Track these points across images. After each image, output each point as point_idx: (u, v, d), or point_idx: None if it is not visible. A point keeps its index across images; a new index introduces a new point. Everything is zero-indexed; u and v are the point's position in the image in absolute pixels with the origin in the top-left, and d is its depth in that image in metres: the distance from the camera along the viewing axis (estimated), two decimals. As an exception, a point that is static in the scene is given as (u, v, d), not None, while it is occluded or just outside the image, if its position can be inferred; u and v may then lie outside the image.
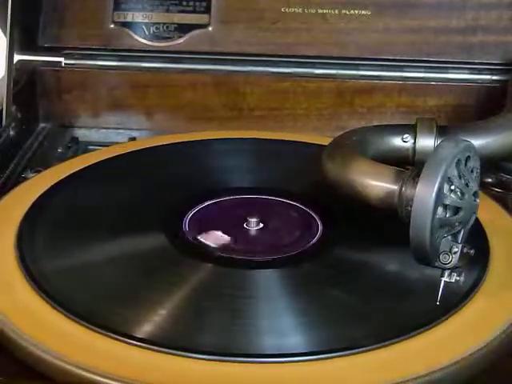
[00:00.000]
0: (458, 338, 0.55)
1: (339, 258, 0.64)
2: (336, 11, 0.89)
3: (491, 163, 0.75)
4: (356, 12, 0.89)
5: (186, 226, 0.67)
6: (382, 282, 0.61)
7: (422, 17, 0.88)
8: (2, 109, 0.81)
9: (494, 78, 0.88)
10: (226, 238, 0.66)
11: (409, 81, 0.89)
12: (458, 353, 0.53)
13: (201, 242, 0.65)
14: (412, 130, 0.69)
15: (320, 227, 0.68)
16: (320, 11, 0.89)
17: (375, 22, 0.89)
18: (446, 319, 0.56)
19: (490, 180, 0.77)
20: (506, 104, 0.77)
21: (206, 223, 0.68)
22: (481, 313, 0.58)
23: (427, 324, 0.56)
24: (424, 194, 0.54)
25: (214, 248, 0.65)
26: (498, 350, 0.55)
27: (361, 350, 0.53)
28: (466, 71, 0.88)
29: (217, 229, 0.67)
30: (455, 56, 0.88)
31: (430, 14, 0.88)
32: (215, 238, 0.66)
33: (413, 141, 0.69)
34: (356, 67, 0.89)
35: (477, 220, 0.65)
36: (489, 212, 0.69)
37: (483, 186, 0.75)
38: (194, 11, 0.91)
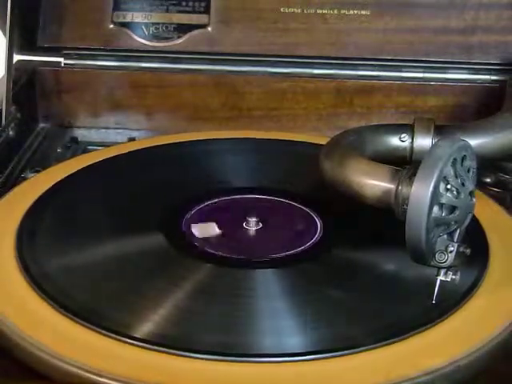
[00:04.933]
0: (457, 337, 0.55)
1: (339, 257, 0.64)
2: (335, 11, 0.89)
3: (489, 162, 0.75)
4: (355, 12, 0.89)
5: (185, 226, 0.68)
6: (382, 281, 0.61)
7: (422, 17, 0.88)
8: (2, 109, 0.81)
9: (493, 78, 0.88)
10: (215, 231, 0.66)
11: (408, 81, 0.89)
12: (458, 353, 0.53)
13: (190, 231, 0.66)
14: (410, 129, 0.69)
15: (320, 227, 0.68)
16: (319, 11, 0.89)
17: (374, 22, 0.89)
18: (445, 319, 0.56)
19: (488, 180, 0.78)
20: (504, 104, 0.77)
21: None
22: (480, 312, 0.58)
23: (426, 324, 0.56)
24: (420, 192, 0.54)
25: (198, 239, 0.65)
26: (497, 350, 0.55)
27: (360, 349, 0.53)
28: (466, 71, 0.88)
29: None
30: (454, 56, 0.88)
31: (429, 14, 0.88)
32: (205, 230, 0.66)
33: (410, 140, 0.69)
34: (355, 67, 0.89)
35: (476, 219, 0.65)
36: (488, 211, 0.69)
37: (482, 185, 0.75)
38: (193, 11, 0.91)
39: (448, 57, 0.89)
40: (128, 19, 0.91)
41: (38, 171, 0.78)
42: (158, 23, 0.91)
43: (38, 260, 0.62)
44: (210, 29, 0.90)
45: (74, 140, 0.88)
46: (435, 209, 0.55)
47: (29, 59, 0.91)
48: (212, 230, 0.67)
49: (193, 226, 0.67)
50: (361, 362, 0.53)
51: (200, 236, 0.66)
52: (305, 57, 0.90)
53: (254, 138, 0.82)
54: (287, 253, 0.64)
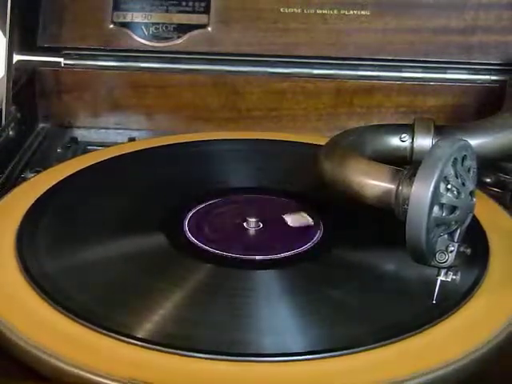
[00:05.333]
0: (457, 337, 0.55)
1: (339, 258, 0.64)
2: (335, 11, 0.89)
3: (489, 163, 0.75)
4: (355, 12, 0.89)
5: (185, 226, 0.68)
6: (382, 281, 0.61)
7: (421, 17, 0.88)
8: (2, 109, 0.81)
9: (493, 78, 0.88)
10: (308, 220, 0.68)
11: (408, 81, 0.89)
12: (458, 353, 0.53)
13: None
14: (410, 129, 0.69)
15: (320, 227, 0.68)
16: (319, 11, 0.89)
17: (374, 23, 0.89)
18: (446, 319, 0.56)
19: (488, 180, 0.78)
20: (504, 104, 0.77)
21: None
22: (480, 312, 0.57)
23: (427, 324, 0.56)
24: (420, 192, 0.54)
25: (291, 227, 0.68)
26: (497, 349, 0.55)
27: (360, 349, 0.53)
28: (465, 71, 0.88)
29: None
30: (454, 56, 0.88)
31: (429, 14, 0.88)
32: (296, 219, 0.68)
33: (411, 140, 0.69)
34: (355, 67, 0.89)
35: (476, 219, 0.65)
36: (488, 211, 0.69)
37: (482, 185, 0.75)
38: (193, 11, 0.91)
39: (448, 57, 0.89)
40: (128, 19, 0.91)
41: (38, 171, 0.78)
42: (157, 23, 0.91)
43: (38, 260, 0.62)
44: (209, 29, 0.90)
45: (74, 140, 0.88)
46: (436, 209, 0.55)
47: (29, 59, 0.91)
48: (305, 219, 0.68)
49: (285, 216, 0.69)
50: (361, 362, 0.53)
51: (293, 224, 0.68)
52: (305, 57, 0.90)
53: (254, 139, 0.82)
54: (287, 253, 0.64)
